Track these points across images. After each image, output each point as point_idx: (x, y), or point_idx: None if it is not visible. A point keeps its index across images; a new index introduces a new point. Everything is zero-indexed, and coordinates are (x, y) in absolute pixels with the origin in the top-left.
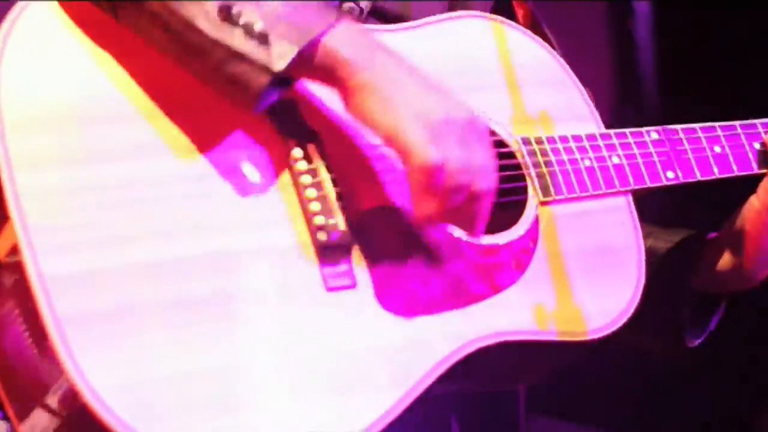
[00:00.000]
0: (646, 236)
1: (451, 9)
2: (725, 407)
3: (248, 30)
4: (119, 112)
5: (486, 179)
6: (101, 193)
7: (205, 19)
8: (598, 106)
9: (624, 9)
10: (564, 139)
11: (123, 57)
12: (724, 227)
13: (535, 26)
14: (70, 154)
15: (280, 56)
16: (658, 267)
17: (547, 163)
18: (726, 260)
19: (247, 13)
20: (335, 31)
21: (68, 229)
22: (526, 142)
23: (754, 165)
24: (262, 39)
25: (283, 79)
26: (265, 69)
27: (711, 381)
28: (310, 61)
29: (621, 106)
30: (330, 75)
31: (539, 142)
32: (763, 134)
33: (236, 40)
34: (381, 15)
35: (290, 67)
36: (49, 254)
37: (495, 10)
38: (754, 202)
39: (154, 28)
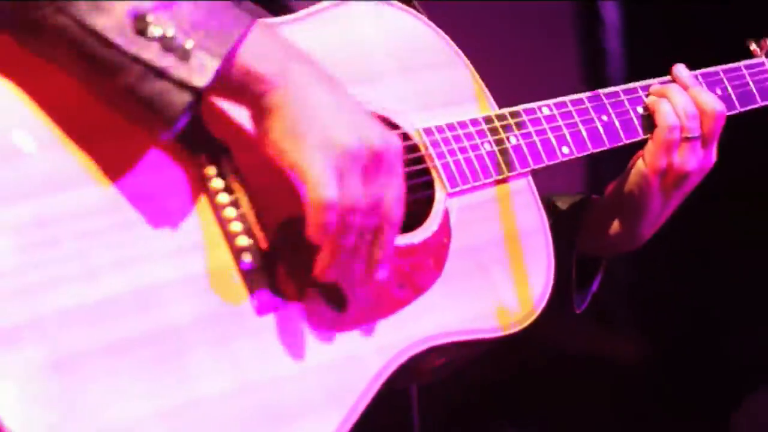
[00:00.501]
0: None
1: None
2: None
3: (165, 43)
4: (22, 145)
5: (390, 216)
6: (14, 236)
7: (118, 32)
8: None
9: (593, 20)
10: (463, 124)
11: (22, 83)
12: (610, 189)
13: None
14: None
15: (201, 70)
16: None
17: (451, 152)
18: (611, 222)
19: (163, 23)
20: (248, 42)
21: None
22: (428, 132)
23: (640, 131)
24: (180, 52)
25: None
26: (186, 86)
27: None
28: (227, 79)
29: None
30: (243, 93)
31: (441, 130)
32: (644, 97)
33: (153, 54)
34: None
35: (211, 83)
36: None
37: None
38: (640, 165)
39: (59, 47)
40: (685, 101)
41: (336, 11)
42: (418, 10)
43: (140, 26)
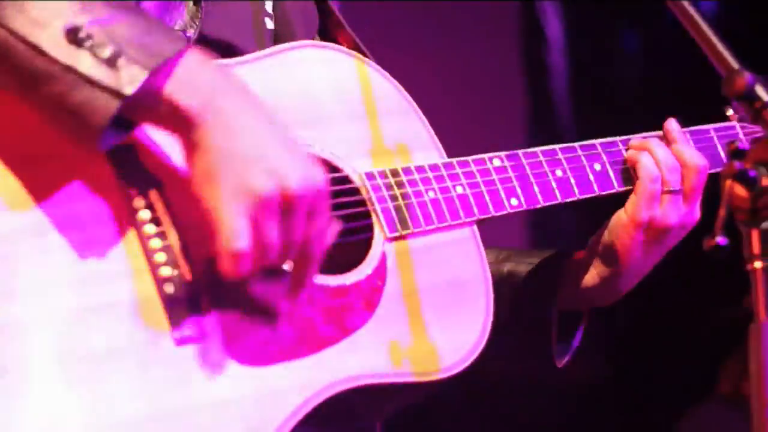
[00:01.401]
0: (504, 260)
1: (277, 38)
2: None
3: (96, 54)
4: None
5: (308, 254)
6: None
7: (51, 43)
8: (512, 132)
9: (537, 37)
10: (407, 171)
11: None
12: (590, 243)
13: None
14: None
15: (130, 80)
16: (521, 289)
17: (392, 197)
18: (592, 276)
19: (96, 36)
20: (179, 70)
21: None
22: (370, 176)
23: (595, 187)
24: (112, 63)
25: (126, 123)
26: (115, 93)
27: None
28: (155, 103)
29: (536, 131)
30: (171, 124)
31: (383, 176)
32: (603, 155)
33: (84, 64)
34: (209, 44)
35: (139, 93)
36: None
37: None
38: (621, 216)
39: None
40: (665, 154)
41: (285, 55)
42: (366, 56)
43: (74, 38)
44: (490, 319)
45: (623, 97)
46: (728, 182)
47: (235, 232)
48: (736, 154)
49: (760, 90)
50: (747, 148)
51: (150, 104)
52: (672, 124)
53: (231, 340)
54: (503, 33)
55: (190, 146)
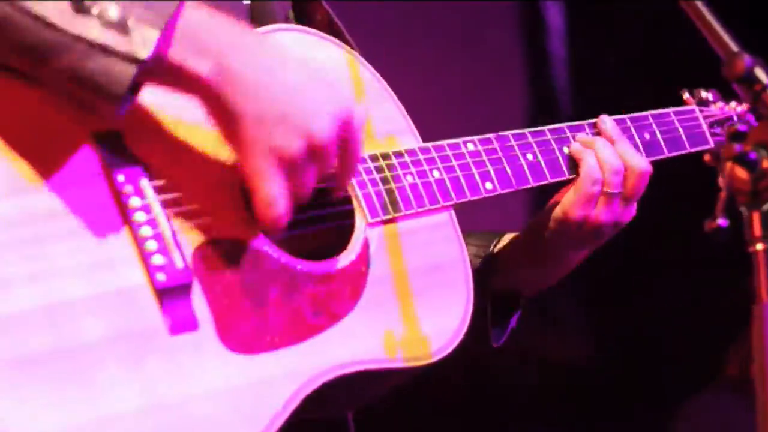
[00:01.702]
0: None
1: (254, 15)
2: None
3: (105, 19)
4: None
5: (346, 172)
6: None
7: (57, 13)
8: (513, 119)
9: (537, 25)
10: (386, 156)
11: None
12: (524, 229)
13: (332, 29)
14: None
15: (143, 42)
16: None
17: (373, 182)
18: (522, 262)
19: (101, 1)
20: (184, 32)
21: None
22: None
23: (565, 171)
24: (121, 26)
25: (137, 84)
26: (130, 58)
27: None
28: (163, 69)
29: (536, 119)
30: (182, 88)
31: (362, 161)
32: (570, 139)
33: (93, 31)
34: None
35: (155, 55)
36: None
37: (295, 13)
38: (557, 212)
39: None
40: (610, 156)
41: (281, 35)
42: (341, 31)
43: (79, 5)
44: (471, 299)
45: (623, 84)
46: (728, 164)
47: (271, 199)
48: (736, 136)
49: (759, 72)
50: (746, 130)
51: (161, 71)
52: (607, 123)
53: (223, 329)
54: (504, 20)
55: (210, 110)
